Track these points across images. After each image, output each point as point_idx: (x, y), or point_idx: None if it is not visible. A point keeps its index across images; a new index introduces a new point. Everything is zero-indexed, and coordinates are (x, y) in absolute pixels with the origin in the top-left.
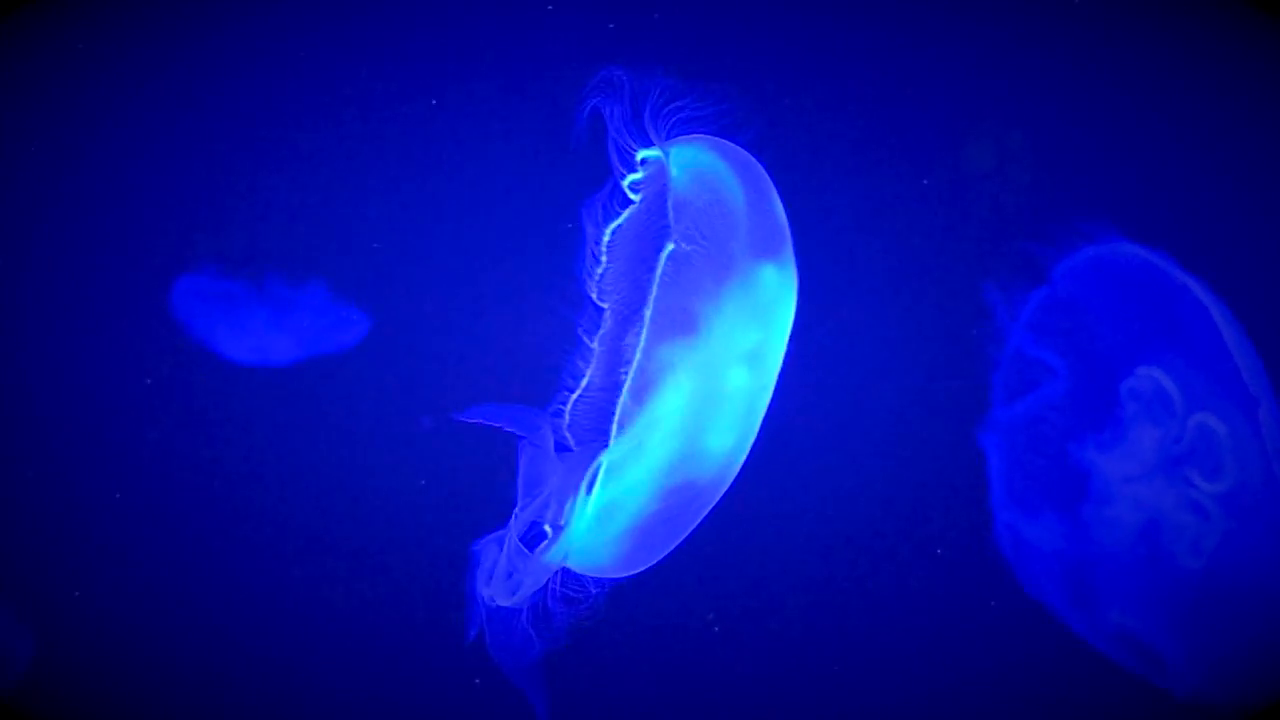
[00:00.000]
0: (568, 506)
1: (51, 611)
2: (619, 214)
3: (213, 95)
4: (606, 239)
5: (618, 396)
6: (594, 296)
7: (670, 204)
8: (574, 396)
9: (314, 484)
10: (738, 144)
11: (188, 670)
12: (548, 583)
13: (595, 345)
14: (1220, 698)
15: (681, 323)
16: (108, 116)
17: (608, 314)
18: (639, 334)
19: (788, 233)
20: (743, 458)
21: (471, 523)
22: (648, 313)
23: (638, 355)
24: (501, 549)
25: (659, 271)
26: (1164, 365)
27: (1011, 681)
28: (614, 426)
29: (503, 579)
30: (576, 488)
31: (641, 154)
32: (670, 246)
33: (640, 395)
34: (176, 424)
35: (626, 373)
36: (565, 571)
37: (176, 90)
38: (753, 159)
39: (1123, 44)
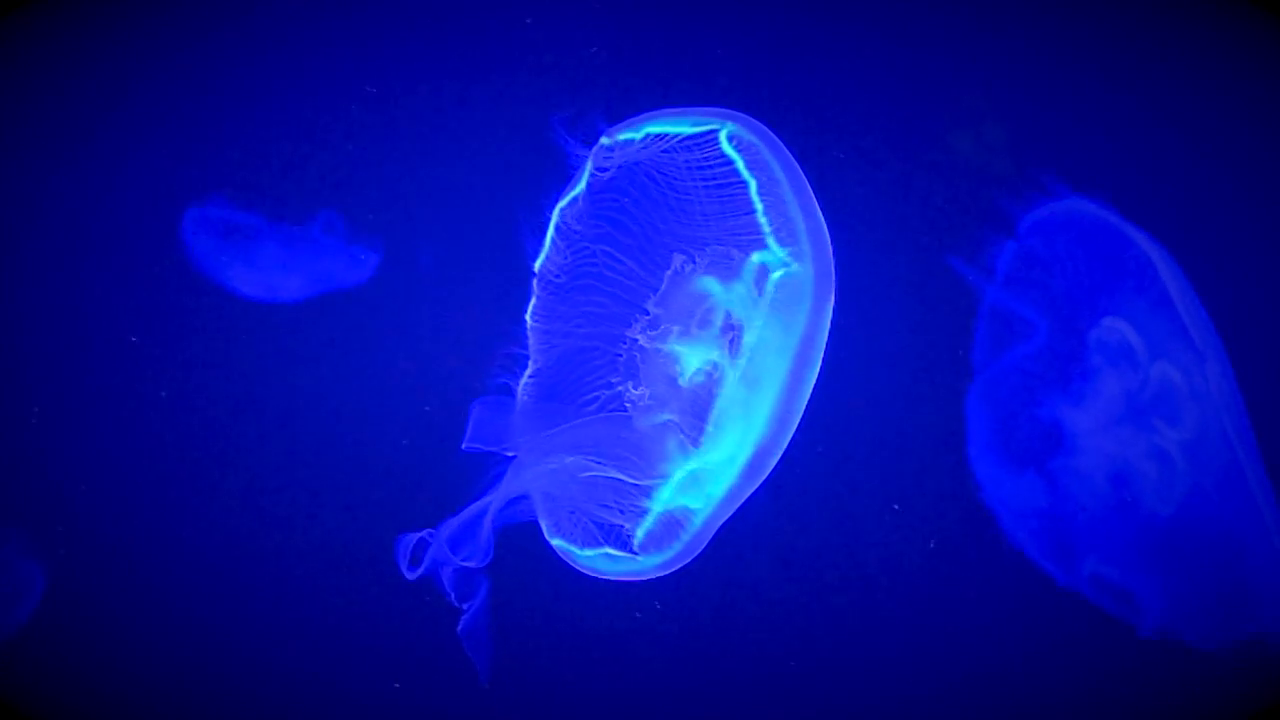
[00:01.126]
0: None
1: (60, 547)
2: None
3: (226, 31)
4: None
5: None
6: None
7: (762, 211)
8: (525, 376)
9: (322, 421)
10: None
11: (196, 605)
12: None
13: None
14: (1191, 636)
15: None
16: (120, 53)
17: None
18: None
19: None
20: (781, 451)
21: (479, 462)
22: (750, 339)
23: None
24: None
25: (770, 293)
26: (1126, 315)
27: (996, 632)
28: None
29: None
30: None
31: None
32: (779, 272)
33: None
34: (185, 359)
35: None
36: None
37: (189, 26)
38: (778, 139)
39: (1090, 17)
